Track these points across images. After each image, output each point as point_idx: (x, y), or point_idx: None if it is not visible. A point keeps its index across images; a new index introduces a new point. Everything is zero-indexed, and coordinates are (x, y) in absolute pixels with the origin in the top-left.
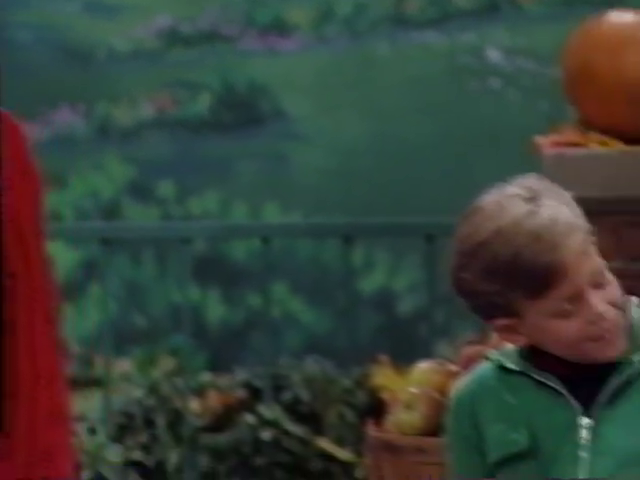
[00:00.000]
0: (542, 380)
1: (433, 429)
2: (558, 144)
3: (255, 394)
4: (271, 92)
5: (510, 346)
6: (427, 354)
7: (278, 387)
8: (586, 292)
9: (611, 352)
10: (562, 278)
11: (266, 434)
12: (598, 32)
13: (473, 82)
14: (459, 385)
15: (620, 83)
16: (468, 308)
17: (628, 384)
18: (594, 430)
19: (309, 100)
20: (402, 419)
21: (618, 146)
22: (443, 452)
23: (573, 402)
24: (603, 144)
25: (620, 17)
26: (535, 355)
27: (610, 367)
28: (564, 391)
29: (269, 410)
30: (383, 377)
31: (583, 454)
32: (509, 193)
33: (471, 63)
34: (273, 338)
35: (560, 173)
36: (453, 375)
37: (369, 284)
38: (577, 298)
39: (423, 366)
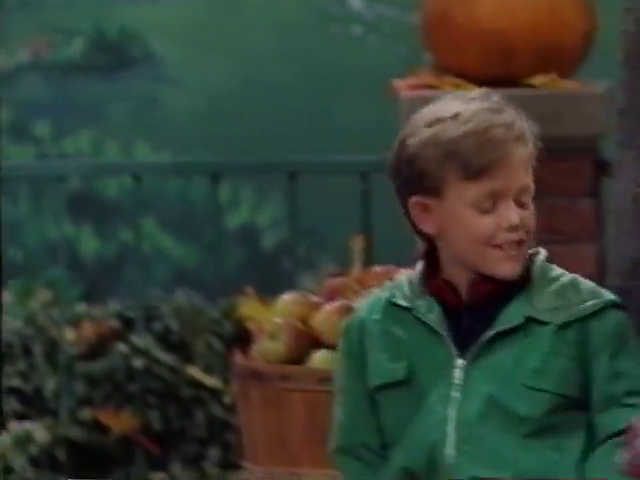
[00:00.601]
0: (426, 321)
1: (296, 357)
2: (414, 87)
3: (127, 324)
4: (142, 37)
5: (402, 278)
6: (291, 286)
7: (149, 317)
8: (510, 198)
9: (506, 270)
10: (497, 173)
11: (138, 362)
12: None
13: (336, 28)
14: (353, 312)
15: (474, 31)
16: (394, 185)
17: (508, 333)
18: (467, 372)
19: (179, 44)
20: (267, 348)
21: (470, 89)
22: (306, 379)
23: (451, 344)
24: (456, 87)
25: None
26: (429, 277)
27: (499, 310)
28: (445, 333)
29: (141, 339)
30: (249, 308)
31: (455, 394)
32: (481, 93)
33: (335, 10)
34: (144, 271)
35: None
36: (315, 306)
37: (235, 220)
38: (500, 199)
39: (287, 298)
